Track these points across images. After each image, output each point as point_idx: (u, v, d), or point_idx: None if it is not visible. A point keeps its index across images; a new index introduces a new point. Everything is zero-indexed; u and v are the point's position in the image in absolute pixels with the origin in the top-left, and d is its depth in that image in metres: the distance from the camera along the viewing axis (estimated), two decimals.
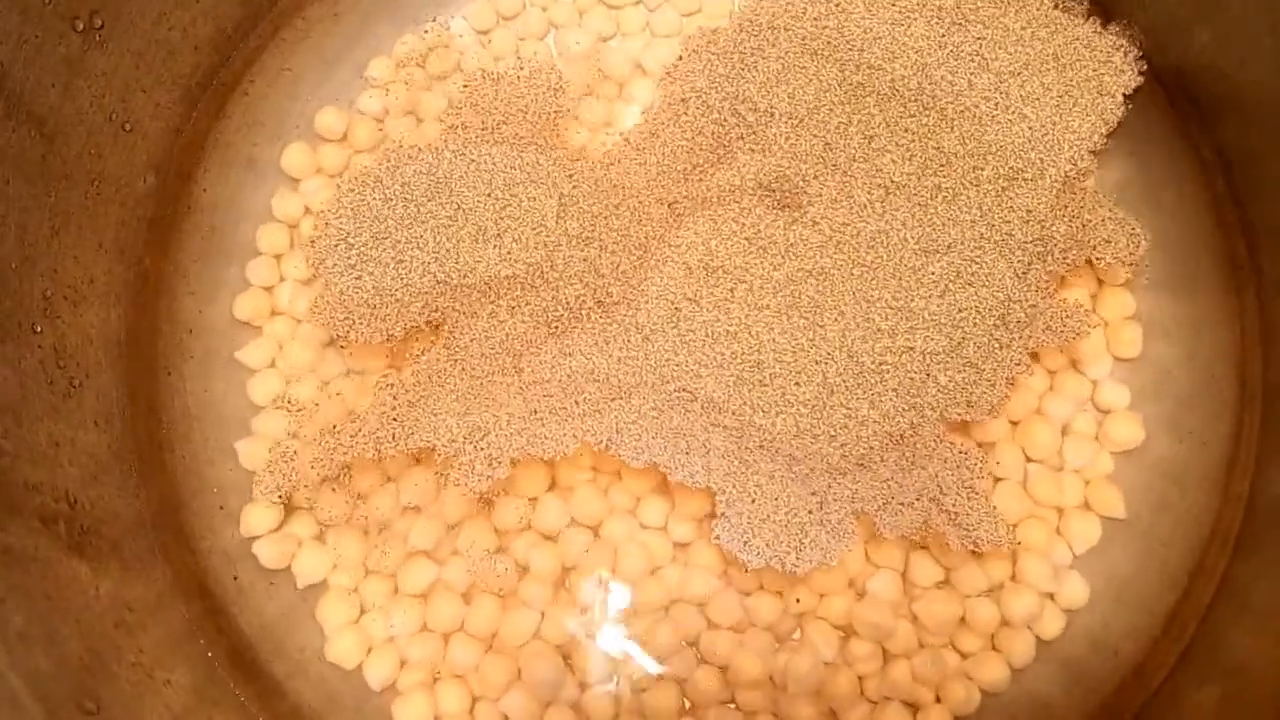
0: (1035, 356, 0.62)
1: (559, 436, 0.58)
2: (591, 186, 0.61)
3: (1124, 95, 0.62)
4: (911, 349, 0.58)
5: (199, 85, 0.67)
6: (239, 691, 0.60)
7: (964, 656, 0.60)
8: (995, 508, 0.58)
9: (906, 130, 0.61)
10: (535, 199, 0.60)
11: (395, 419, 0.59)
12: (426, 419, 0.59)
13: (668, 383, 0.58)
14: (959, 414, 0.58)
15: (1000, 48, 0.62)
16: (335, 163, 0.68)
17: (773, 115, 0.62)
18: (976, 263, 0.59)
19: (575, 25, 0.70)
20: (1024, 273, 0.59)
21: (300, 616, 0.63)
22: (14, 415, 0.52)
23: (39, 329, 0.55)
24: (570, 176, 0.61)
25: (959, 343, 0.58)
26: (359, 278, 0.59)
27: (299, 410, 0.64)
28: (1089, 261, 0.62)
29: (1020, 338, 0.59)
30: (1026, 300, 0.59)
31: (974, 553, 0.59)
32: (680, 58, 0.66)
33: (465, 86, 0.66)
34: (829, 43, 0.63)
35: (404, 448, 0.58)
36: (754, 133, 0.63)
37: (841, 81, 0.62)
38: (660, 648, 0.60)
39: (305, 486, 0.62)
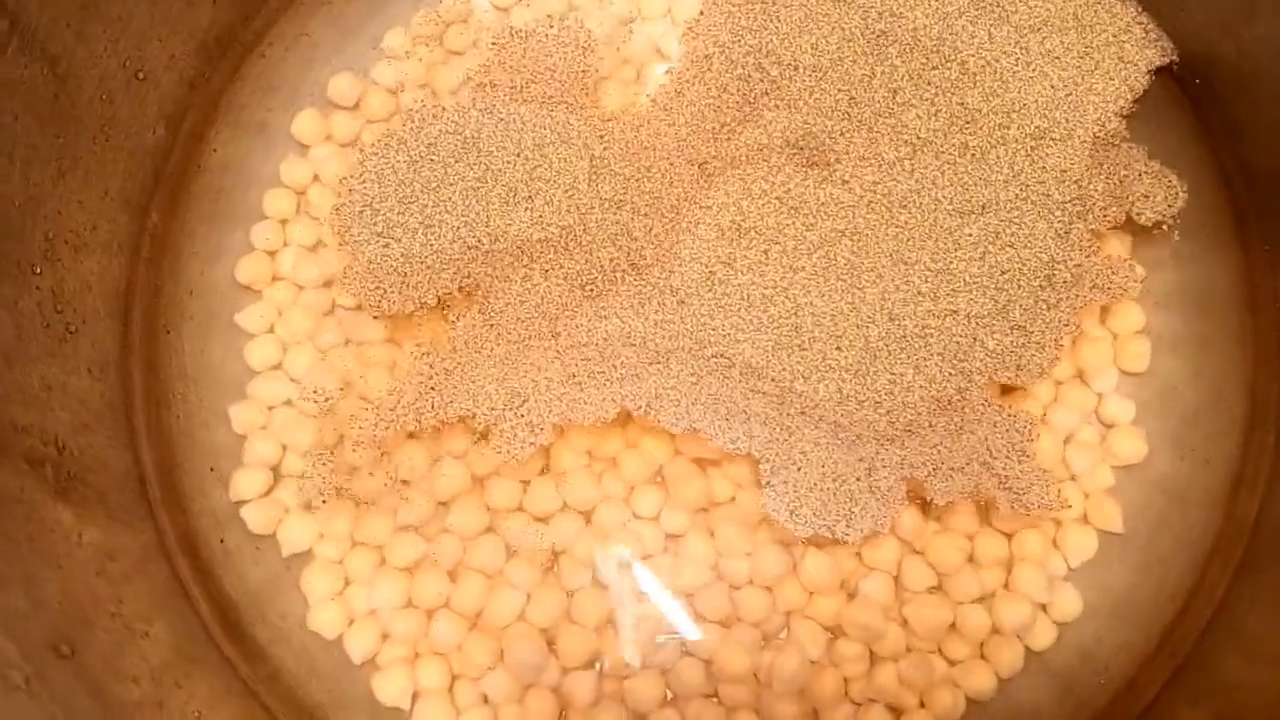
0: None
1: (598, 401, 0.58)
2: (623, 148, 0.61)
3: (1148, 70, 0.62)
4: (955, 312, 0.57)
5: (216, 41, 0.67)
6: (219, 652, 0.60)
7: (952, 663, 0.59)
8: (1046, 471, 0.57)
9: (929, 84, 0.61)
10: (566, 160, 0.59)
11: (434, 388, 0.59)
12: (465, 386, 0.59)
13: (705, 348, 0.58)
14: (1009, 377, 0.57)
15: (1020, 1, 0.62)
16: (346, 132, 0.68)
17: (796, 68, 0.61)
18: (1016, 224, 0.59)
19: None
20: (1065, 233, 0.59)
21: (285, 584, 0.62)
22: (6, 356, 0.52)
23: (39, 270, 0.55)
24: (602, 138, 0.61)
25: (1005, 305, 0.58)
26: (387, 245, 0.59)
27: (325, 405, 0.63)
28: (1129, 218, 0.62)
29: (1068, 298, 0.59)
30: (1071, 260, 0.59)
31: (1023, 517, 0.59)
32: (701, 11, 0.65)
33: (494, 44, 0.65)
34: None
35: (444, 416, 0.58)
36: (778, 87, 0.62)
37: (864, 30, 0.61)
38: (645, 636, 0.59)
39: (347, 479, 0.61)
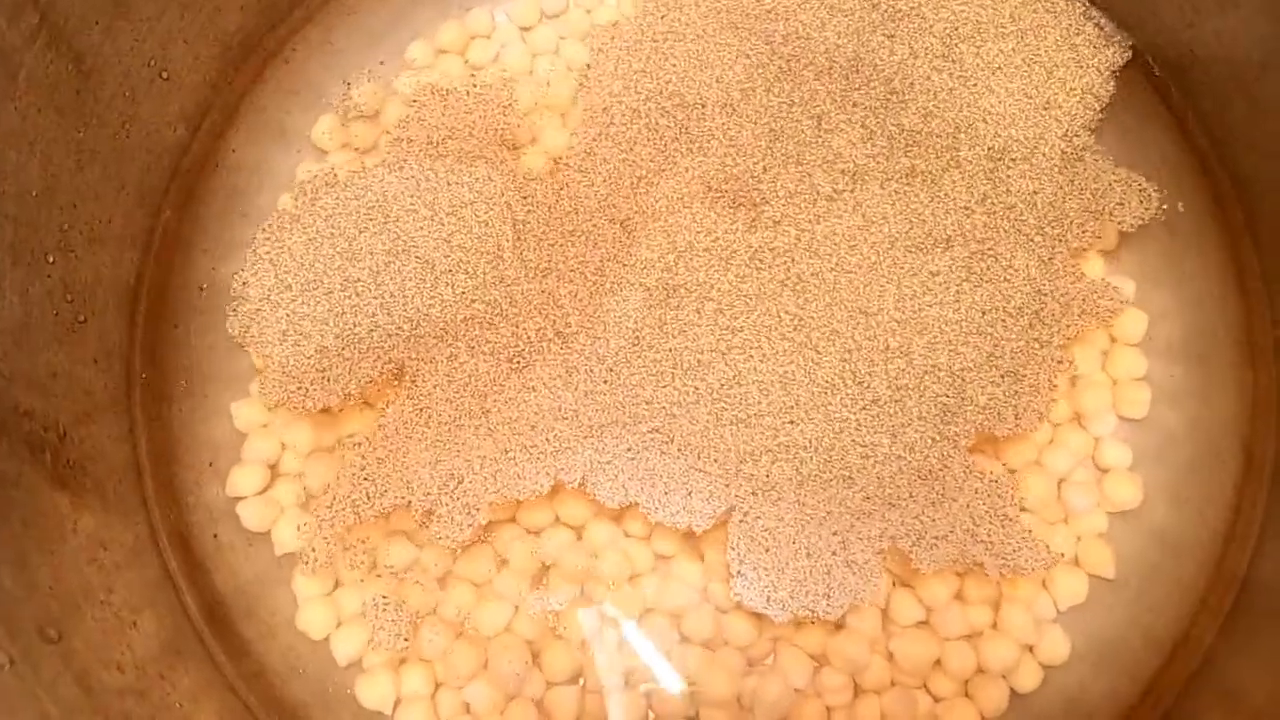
0: None
1: (533, 475, 0.56)
2: (545, 211, 0.58)
3: (1110, 72, 0.59)
4: (935, 368, 0.52)
5: (240, 45, 0.68)
6: (204, 647, 0.60)
7: (936, 700, 0.59)
8: (1030, 532, 0.55)
9: (856, 105, 0.56)
10: (488, 224, 0.55)
11: (367, 478, 0.57)
12: (398, 474, 0.57)
13: (638, 422, 0.55)
14: (1007, 430, 0.54)
15: (942, 7, 0.57)
16: (365, 139, 0.68)
17: (703, 107, 0.57)
18: (990, 256, 0.54)
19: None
20: (1049, 259, 0.54)
21: (275, 582, 0.62)
22: (14, 339, 0.52)
23: (52, 260, 0.55)
24: (524, 197, 0.58)
25: (992, 352, 0.52)
26: (296, 344, 0.55)
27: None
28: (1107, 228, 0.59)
29: (1059, 331, 0.54)
30: (1058, 290, 0.54)
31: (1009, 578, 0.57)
32: (588, 64, 0.62)
33: (414, 102, 0.63)
34: (746, 13, 0.57)
35: (380, 508, 0.57)
36: (688, 131, 0.58)
37: (771, 56, 0.56)
38: (630, 655, 0.59)
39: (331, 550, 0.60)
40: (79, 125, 0.57)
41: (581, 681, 0.59)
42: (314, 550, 0.59)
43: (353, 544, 0.60)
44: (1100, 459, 0.62)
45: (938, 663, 0.59)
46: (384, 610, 0.59)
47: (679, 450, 0.55)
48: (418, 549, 0.61)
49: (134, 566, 0.58)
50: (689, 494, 0.55)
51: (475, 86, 0.64)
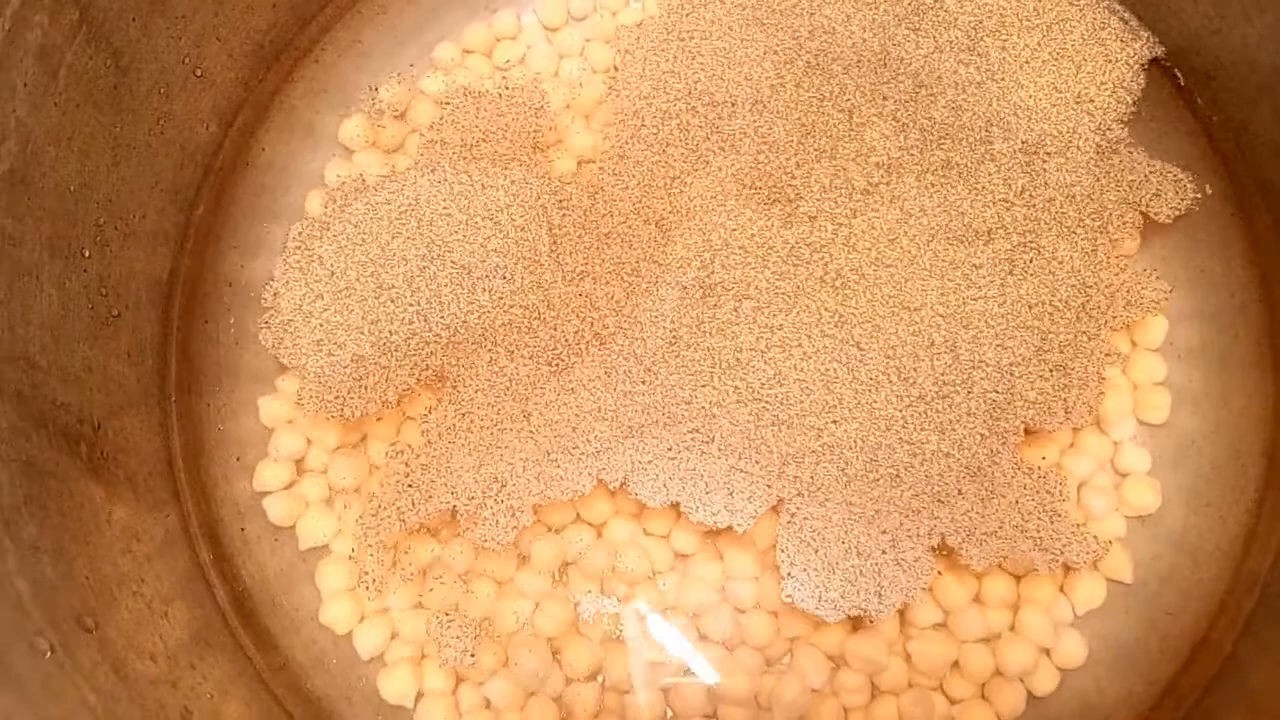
0: None
1: (575, 476, 0.56)
2: (580, 214, 0.58)
3: (1139, 65, 0.59)
4: (983, 363, 0.51)
5: (272, 45, 0.68)
6: (233, 638, 0.61)
7: (952, 702, 0.59)
8: (1080, 525, 0.55)
9: (885, 99, 0.55)
10: (524, 229, 0.54)
11: (411, 485, 0.57)
12: (442, 480, 0.57)
13: (678, 422, 0.55)
14: (1057, 424, 0.53)
15: (967, 0, 0.57)
16: (393, 139, 0.69)
17: (734, 105, 0.56)
18: (1032, 249, 0.53)
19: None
20: (1092, 251, 0.54)
21: (301, 576, 0.63)
22: (52, 333, 0.53)
23: (88, 254, 0.56)
24: (560, 201, 0.57)
25: (1041, 346, 0.52)
26: (331, 354, 0.55)
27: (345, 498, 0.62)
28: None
29: (1105, 324, 0.54)
30: (1102, 281, 0.54)
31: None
32: (616, 66, 0.61)
33: (446, 103, 0.63)
34: (772, 9, 0.57)
35: (425, 513, 0.57)
36: (718, 130, 0.57)
37: (799, 52, 0.56)
38: (649, 653, 0.60)
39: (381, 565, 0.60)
40: (115, 121, 0.58)
41: (601, 678, 0.60)
42: (369, 573, 0.59)
43: (400, 558, 0.60)
44: (1119, 463, 0.62)
45: (955, 665, 0.59)
46: (448, 627, 0.59)
47: (720, 450, 0.55)
48: (440, 545, 0.62)
49: (165, 558, 0.59)
50: (730, 493, 0.55)
51: (507, 88, 0.64)
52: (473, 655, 0.58)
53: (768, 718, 0.58)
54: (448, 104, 0.64)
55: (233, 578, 0.63)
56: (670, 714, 0.59)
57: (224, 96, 0.66)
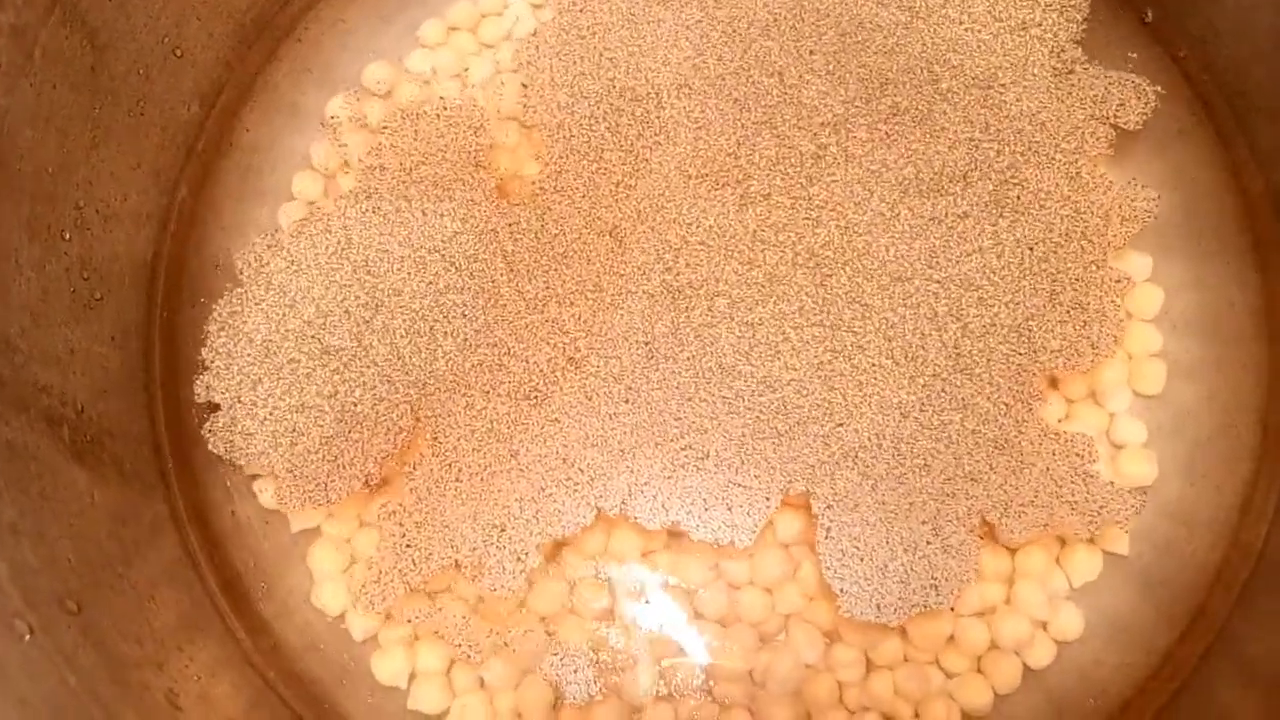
0: (1054, 383, 0.61)
1: (574, 509, 0.55)
2: (533, 238, 0.55)
3: None
4: (998, 325, 0.49)
5: (254, 24, 0.68)
6: (223, 622, 0.61)
7: (949, 676, 0.59)
8: (1112, 483, 0.54)
9: (813, 54, 0.53)
10: (477, 258, 0.51)
11: (409, 545, 0.56)
12: (440, 535, 0.55)
13: (670, 440, 0.54)
14: (1087, 366, 0.51)
15: None
16: (378, 117, 0.69)
17: (658, 95, 0.54)
18: (1016, 183, 0.51)
19: None
20: (1075, 174, 0.52)
21: (292, 559, 0.63)
22: (32, 316, 0.53)
23: (68, 237, 0.56)
24: (510, 225, 0.55)
25: (1052, 287, 0.50)
26: (294, 444, 0.51)
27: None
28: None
29: (1107, 246, 0.52)
30: (1093, 203, 0.52)
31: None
32: (524, 85, 0.58)
33: (384, 128, 0.62)
34: None
35: (427, 573, 0.56)
36: (649, 124, 0.55)
37: (711, 24, 0.53)
38: (645, 631, 0.59)
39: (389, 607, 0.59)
40: (94, 103, 0.57)
41: (596, 657, 0.60)
42: (385, 639, 0.59)
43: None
44: (1115, 435, 0.62)
45: (951, 638, 0.59)
46: (467, 627, 0.59)
47: (715, 465, 0.54)
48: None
49: (153, 542, 0.58)
50: (730, 509, 0.54)
51: (445, 109, 0.62)
52: (481, 659, 0.58)
53: (763, 694, 0.58)
54: (385, 128, 0.61)
55: (222, 561, 0.62)
56: (666, 691, 0.59)
57: (205, 77, 0.66)
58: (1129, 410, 0.62)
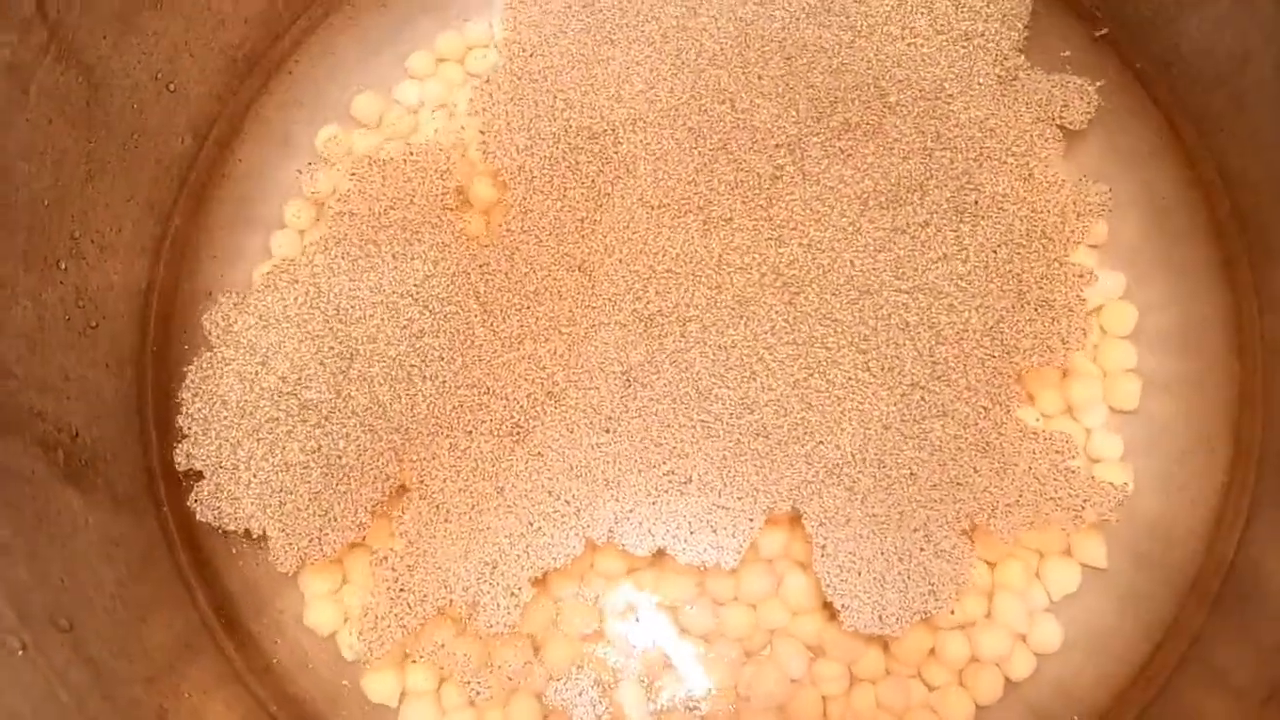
0: (1030, 398, 0.62)
1: (563, 541, 0.56)
2: (503, 277, 0.56)
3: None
4: (966, 328, 0.50)
5: (245, 58, 0.70)
6: (215, 641, 0.62)
7: (930, 689, 0.60)
8: (1094, 477, 0.55)
9: (761, 78, 0.54)
10: (449, 300, 0.51)
11: (403, 589, 0.56)
12: (433, 577, 0.56)
13: (653, 467, 0.54)
14: (1059, 360, 0.53)
15: None
16: (368, 148, 0.70)
17: (614, 130, 0.55)
18: (973, 188, 0.52)
19: None
20: (1028, 175, 0.53)
21: (284, 580, 0.64)
22: (29, 343, 0.54)
23: (64, 266, 0.57)
24: (481, 267, 0.56)
25: (1018, 286, 0.50)
26: (283, 504, 0.51)
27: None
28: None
29: (1066, 241, 0.53)
30: (1051, 201, 0.53)
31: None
32: (481, 130, 0.59)
33: (353, 175, 0.63)
34: (617, 24, 0.55)
35: (423, 615, 0.56)
36: (609, 160, 0.56)
37: (659, 58, 0.54)
38: (630, 648, 0.60)
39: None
40: (89, 136, 0.58)
41: (583, 675, 0.60)
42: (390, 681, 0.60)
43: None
44: (1092, 450, 0.63)
45: (932, 652, 0.59)
46: (472, 666, 0.59)
47: (698, 489, 0.54)
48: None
49: (145, 564, 0.59)
50: (714, 531, 0.55)
51: (411, 154, 0.63)
52: (491, 694, 0.59)
53: (748, 708, 0.59)
54: (354, 174, 0.62)
55: (215, 583, 0.63)
56: (652, 707, 0.60)
57: (198, 110, 0.67)
58: (1105, 425, 0.63)
